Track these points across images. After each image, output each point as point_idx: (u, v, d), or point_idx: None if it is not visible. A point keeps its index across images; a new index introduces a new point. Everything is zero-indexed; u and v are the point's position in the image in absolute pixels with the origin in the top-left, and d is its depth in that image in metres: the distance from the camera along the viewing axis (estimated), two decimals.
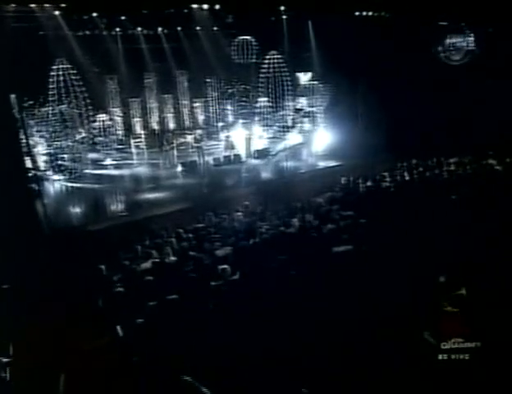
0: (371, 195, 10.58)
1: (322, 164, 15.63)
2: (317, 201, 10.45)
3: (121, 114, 18.39)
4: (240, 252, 7.27)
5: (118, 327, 4.92)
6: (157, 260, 7.31)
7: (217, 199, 12.16)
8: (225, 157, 16.19)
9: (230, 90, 19.99)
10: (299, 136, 18.23)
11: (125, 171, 15.50)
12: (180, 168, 15.31)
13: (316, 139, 17.37)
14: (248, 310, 4.88)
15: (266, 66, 18.41)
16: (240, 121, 18.43)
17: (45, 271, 7.34)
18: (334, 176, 13.26)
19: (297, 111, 19.23)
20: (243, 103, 19.83)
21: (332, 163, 15.42)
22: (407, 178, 11.77)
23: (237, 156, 16.30)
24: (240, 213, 10.05)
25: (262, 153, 16.56)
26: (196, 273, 6.32)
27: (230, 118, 19.84)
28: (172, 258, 7.44)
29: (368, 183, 11.73)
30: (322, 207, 9.73)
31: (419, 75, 15.29)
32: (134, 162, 16.50)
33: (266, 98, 18.75)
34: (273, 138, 18.46)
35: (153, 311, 5.45)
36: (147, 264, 7.24)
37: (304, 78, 19.45)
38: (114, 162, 16.30)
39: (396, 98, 15.08)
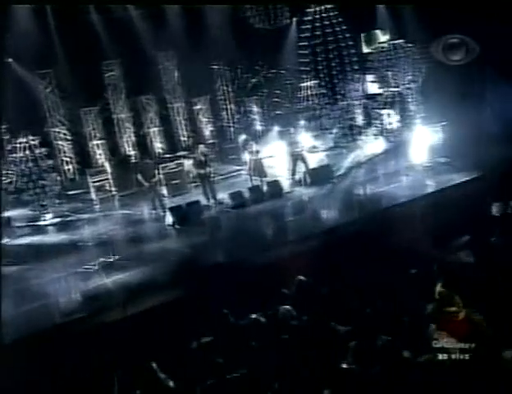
0: None
1: (433, 183, 13.51)
2: (456, 261, 8.21)
3: (67, 135, 17.41)
4: None
5: None
6: None
7: (241, 275, 10.04)
8: (251, 189, 14.38)
9: (252, 80, 19.53)
10: (381, 140, 17.07)
11: (76, 235, 13.80)
12: (170, 219, 13.19)
13: (413, 139, 15.55)
14: None
15: (308, 27, 17.79)
16: (275, 127, 17.50)
17: None
18: (469, 201, 11.10)
19: (371, 97, 18.44)
20: (276, 99, 19.35)
21: (458, 178, 13.13)
22: None
23: (274, 185, 14.57)
24: (288, 307, 7.55)
25: (319, 176, 15.04)
26: None
27: (258, 125, 19.24)
28: None
29: None
30: (475, 279, 7.22)
31: None
32: (96, 215, 15.28)
33: (314, 82, 18.24)
34: (335, 148, 17.70)
35: None
36: None
37: (381, 38, 18.73)
38: (58, 220, 14.91)
39: None
